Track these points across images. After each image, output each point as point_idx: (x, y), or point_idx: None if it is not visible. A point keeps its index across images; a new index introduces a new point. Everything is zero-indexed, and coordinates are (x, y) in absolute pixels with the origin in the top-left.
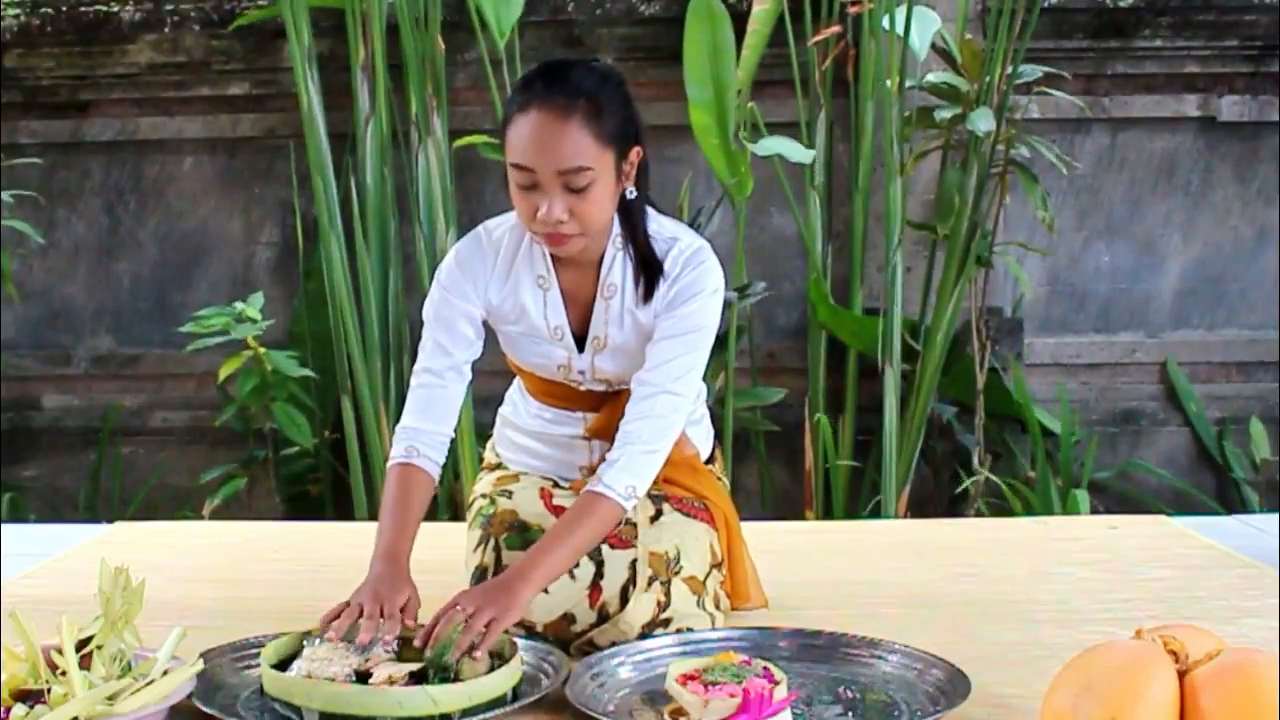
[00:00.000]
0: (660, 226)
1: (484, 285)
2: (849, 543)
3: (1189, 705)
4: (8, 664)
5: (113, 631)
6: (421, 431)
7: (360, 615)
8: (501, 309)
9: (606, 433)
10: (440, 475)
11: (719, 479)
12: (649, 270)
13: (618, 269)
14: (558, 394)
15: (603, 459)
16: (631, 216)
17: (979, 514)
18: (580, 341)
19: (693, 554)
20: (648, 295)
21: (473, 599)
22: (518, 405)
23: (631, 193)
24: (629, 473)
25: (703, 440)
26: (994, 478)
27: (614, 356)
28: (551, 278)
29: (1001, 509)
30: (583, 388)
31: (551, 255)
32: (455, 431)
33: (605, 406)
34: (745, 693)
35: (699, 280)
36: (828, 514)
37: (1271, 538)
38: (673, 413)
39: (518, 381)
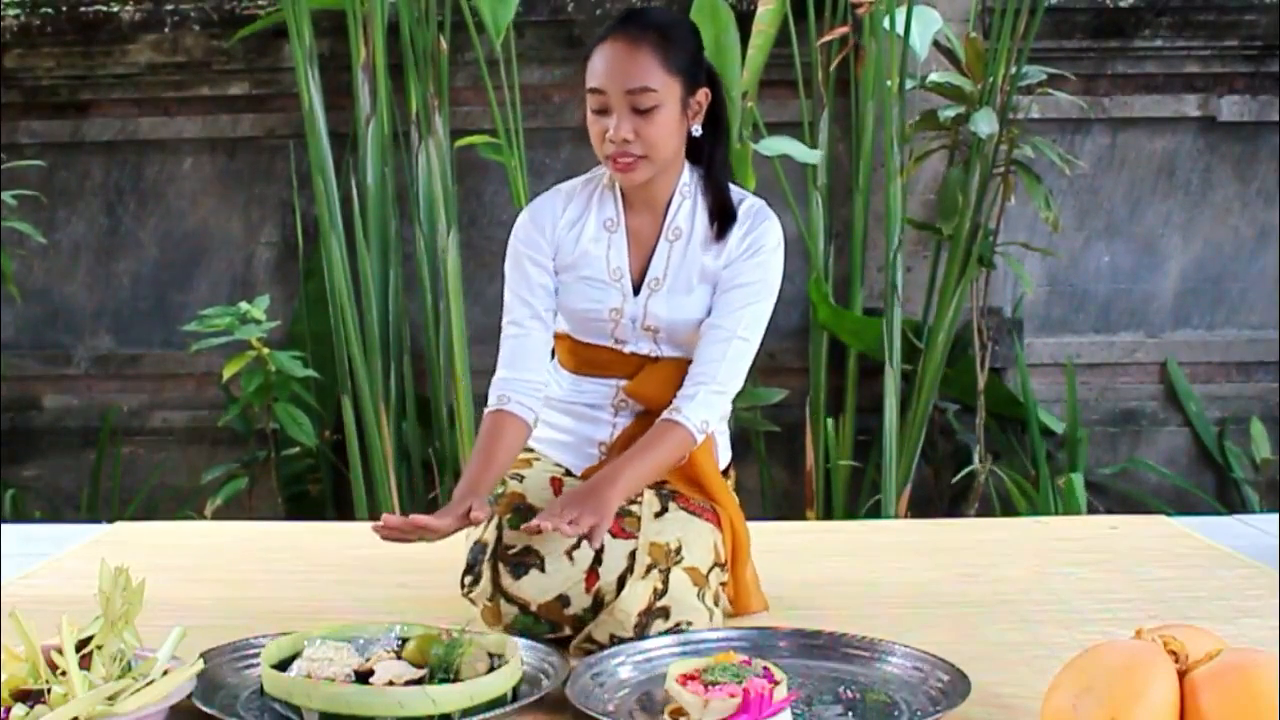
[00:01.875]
0: (729, 186)
1: (552, 230)
2: (849, 543)
3: (1189, 705)
4: (8, 664)
5: (113, 631)
6: (511, 381)
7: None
8: (569, 253)
9: (643, 396)
10: (535, 419)
11: (732, 493)
12: (723, 214)
13: (684, 214)
14: (597, 361)
15: (622, 437)
16: (713, 164)
17: (985, 507)
18: (637, 288)
19: (695, 547)
20: (721, 234)
21: (572, 505)
22: (549, 381)
23: (697, 130)
24: (704, 408)
25: (724, 450)
26: (999, 471)
27: (669, 299)
28: (620, 220)
29: (1005, 508)
30: (626, 349)
31: (622, 198)
32: (458, 428)
33: (643, 371)
34: (745, 693)
35: (769, 233)
36: (828, 514)
37: (1271, 538)
38: (742, 358)
39: (556, 358)
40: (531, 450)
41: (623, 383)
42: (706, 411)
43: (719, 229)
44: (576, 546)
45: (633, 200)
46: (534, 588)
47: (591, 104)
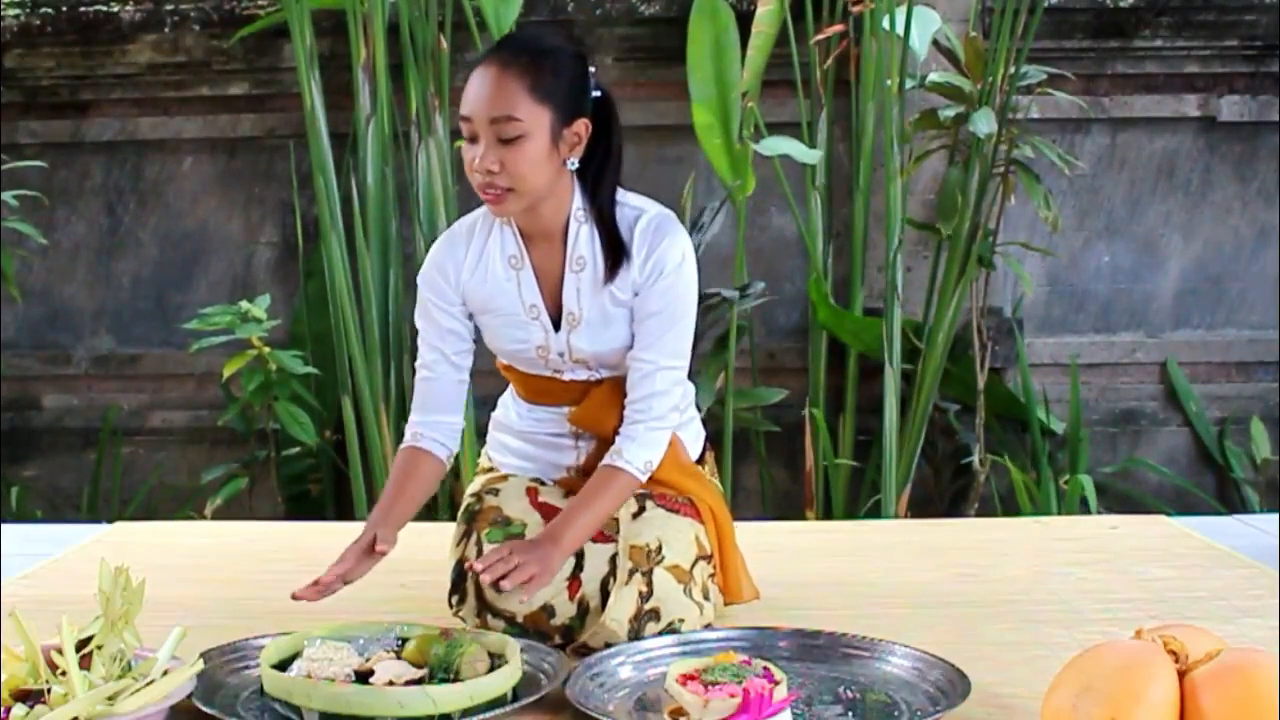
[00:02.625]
0: (624, 197)
1: (456, 276)
2: (849, 543)
3: (1189, 705)
4: (8, 664)
5: (113, 631)
6: (424, 422)
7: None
8: (479, 295)
9: (588, 424)
10: (449, 454)
11: (710, 480)
12: (615, 248)
13: (584, 242)
14: (544, 390)
15: (587, 460)
16: (598, 194)
17: (985, 507)
18: (556, 321)
19: (675, 544)
20: (612, 272)
21: (518, 552)
22: (509, 408)
23: (573, 164)
24: (645, 448)
25: (692, 442)
26: (1003, 460)
27: (589, 332)
28: (523, 257)
29: (1005, 508)
30: (565, 376)
31: (522, 234)
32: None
33: (586, 398)
34: (745, 693)
35: (669, 252)
36: (828, 514)
37: (1271, 538)
38: (674, 385)
39: (510, 386)
40: (498, 472)
41: (572, 410)
42: (648, 451)
43: (611, 266)
44: None
45: (530, 233)
46: (517, 598)
47: (463, 131)
